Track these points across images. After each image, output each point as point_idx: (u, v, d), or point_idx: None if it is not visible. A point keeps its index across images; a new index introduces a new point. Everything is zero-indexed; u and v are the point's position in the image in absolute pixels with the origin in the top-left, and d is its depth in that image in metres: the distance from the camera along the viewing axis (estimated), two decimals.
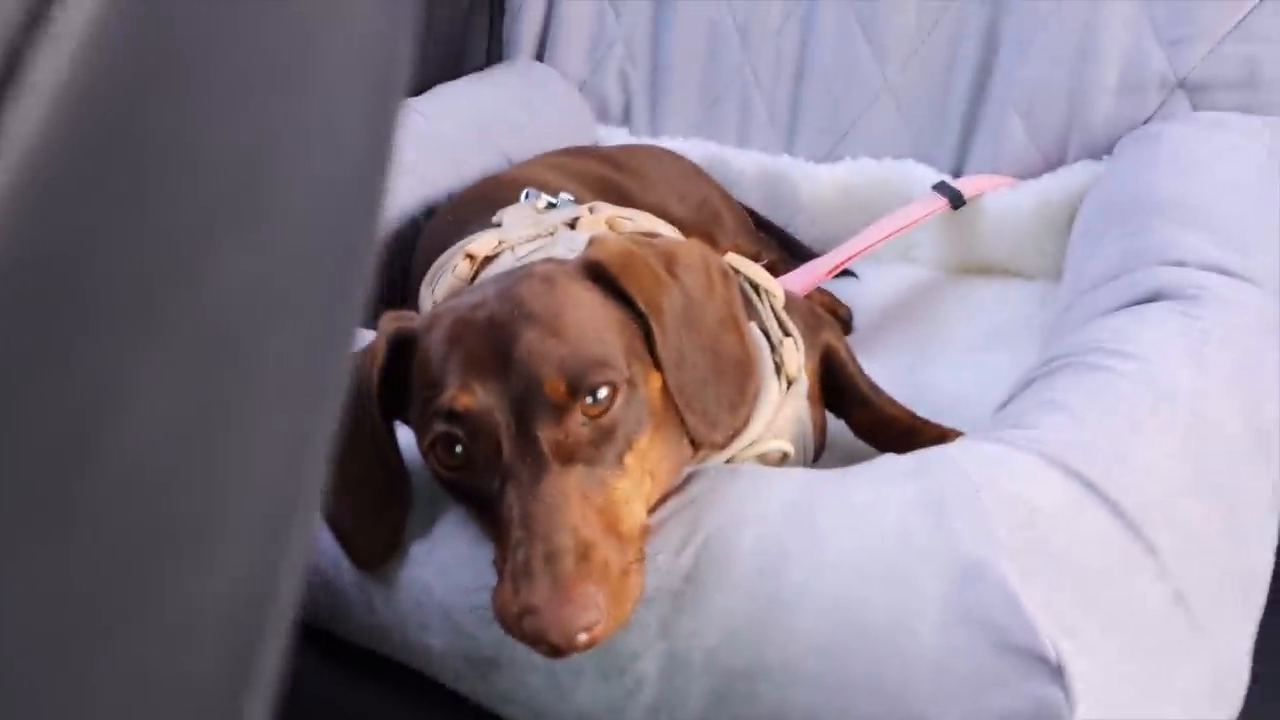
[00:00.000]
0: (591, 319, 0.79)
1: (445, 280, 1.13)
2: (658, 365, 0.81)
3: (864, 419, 1.13)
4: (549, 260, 0.88)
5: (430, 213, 1.52)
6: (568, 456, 0.74)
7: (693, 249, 0.90)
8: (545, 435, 0.73)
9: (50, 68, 0.21)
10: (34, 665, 0.23)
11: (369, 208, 0.31)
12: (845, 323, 1.51)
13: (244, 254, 0.26)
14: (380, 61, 0.30)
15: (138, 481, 0.24)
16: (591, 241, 0.86)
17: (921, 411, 1.12)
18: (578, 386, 0.74)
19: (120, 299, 0.23)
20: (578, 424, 0.74)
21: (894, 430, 1.10)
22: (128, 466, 0.24)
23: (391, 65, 0.31)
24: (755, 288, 1.00)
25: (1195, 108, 1.45)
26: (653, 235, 1.06)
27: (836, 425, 1.13)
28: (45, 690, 0.23)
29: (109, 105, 0.22)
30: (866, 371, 1.15)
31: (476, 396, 0.75)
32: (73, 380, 0.23)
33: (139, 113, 0.23)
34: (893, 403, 1.13)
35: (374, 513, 0.85)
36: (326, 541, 0.86)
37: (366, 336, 0.87)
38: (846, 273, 1.58)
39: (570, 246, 0.98)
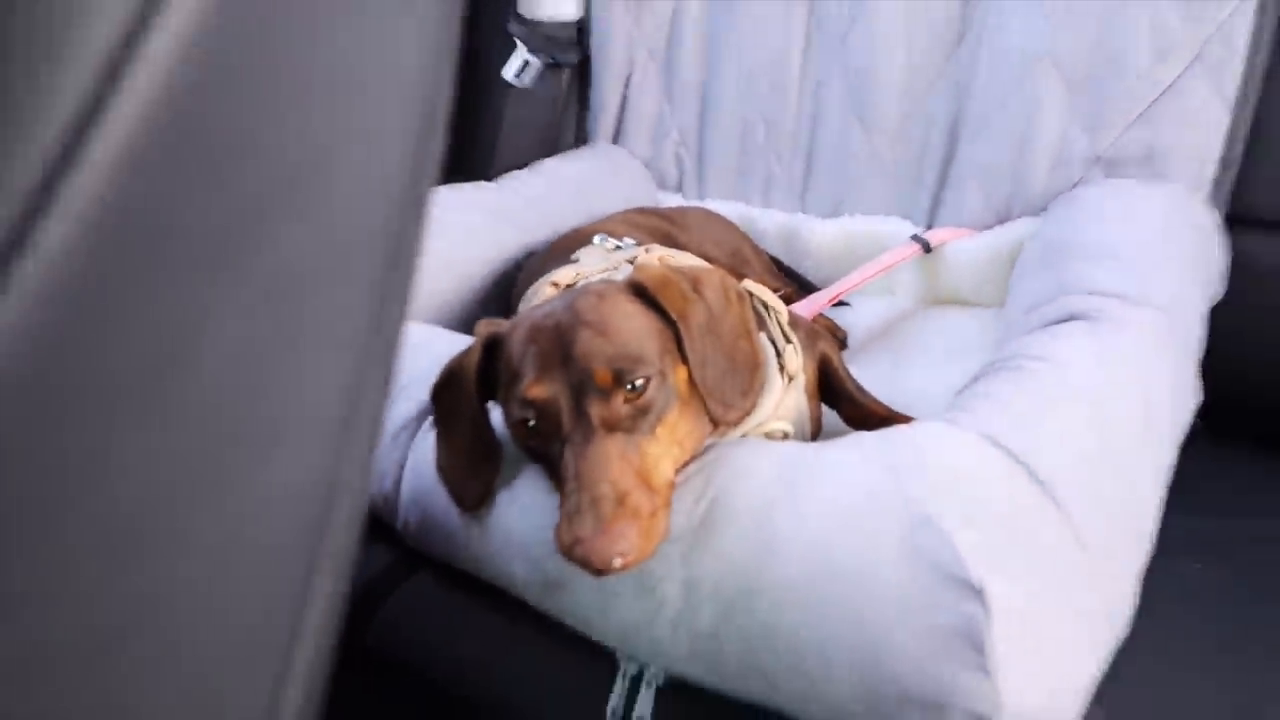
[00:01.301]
0: (633, 325, 0.79)
1: (535, 303, 1.13)
2: (685, 361, 0.81)
3: (851, 412, 1.11)
4: (605, 281, 0.88)
5: (529, 256, 1.53)
6: (611, 427, 0.74)
7: (714, 275, 0.89)
8: (595, 412, 0.74)
9: (149, 73, 0.22)
10: (143, 518, 0.23)
11: (414, 206, 0.31)
12: (842, 341, 1.49)
13: (300, 225, 0.26)
14: (423, 91, 0.30)
15: (215, 386, 0.25)
16: (636, 267, 0.86)
17: (898, 407, 1.10)
18: (620, 375, 0.74)
19: (198, 250, 0.24)
20: (620, 404, 0.74)
21: (874, 420, 1.08)
22: (207, 377, 0.24)
23: (433, 94, 0.31)
24: (765, 307, 1.00)
25: (1108, 176, 1.42)
26: None
27: (831, 417, 1.11)
28: (150, 540, 0.24)
29: (192, 101, 0.23)
30: (855, 376, 1.14)
31: (545, 386, 0.75)
32: (163, 306, 0.23)
33: (215, 108, 0.23)
34: (876, 401, 1.11)
35: (473, 470, 0.85)
36: (440, 493, 0.87)
37: (467, 340, 0.87)
38: (843, 303, 1.57)
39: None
